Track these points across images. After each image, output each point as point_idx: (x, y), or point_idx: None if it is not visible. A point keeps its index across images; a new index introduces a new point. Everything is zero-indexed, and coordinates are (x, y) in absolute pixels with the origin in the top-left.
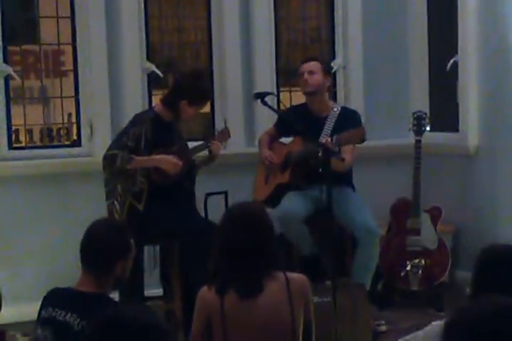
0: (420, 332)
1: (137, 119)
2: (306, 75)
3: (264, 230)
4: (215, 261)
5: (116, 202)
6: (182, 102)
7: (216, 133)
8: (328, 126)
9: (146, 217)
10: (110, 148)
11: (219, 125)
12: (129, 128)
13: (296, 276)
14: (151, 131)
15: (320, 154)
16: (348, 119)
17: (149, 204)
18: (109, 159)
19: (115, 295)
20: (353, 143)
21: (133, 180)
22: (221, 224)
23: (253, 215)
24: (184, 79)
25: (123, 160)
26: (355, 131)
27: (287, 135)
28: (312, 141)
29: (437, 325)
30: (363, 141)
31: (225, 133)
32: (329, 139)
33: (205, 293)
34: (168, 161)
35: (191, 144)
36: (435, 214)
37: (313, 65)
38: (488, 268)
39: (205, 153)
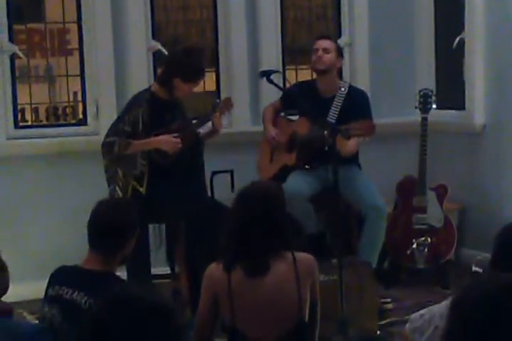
0: (435, 308)
1: (133, 102)
2: (320, 52)
3: (275, 210)
4: (224, 238)
5: (117, 188)
6: (176, 80)
7: (218, 106)
8: (335, 107)
9: (149, 198)
10: (107, 136)
11: None
12: (125, 113)
13: (303, 256)
14: (148, 113)
15: (326, 134)
16: (356, 100)
17: (151, 186)
18: (106, 147)
19: (123, 273)
20: (362, 136)
21: (133, 163)
22: (233, 203)
23: (266, 195)
24: (175, 57)
25: (121, 147)
26: (364, 125)
27: (292, 112)
28: (318, 122)
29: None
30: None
31: (228, 104)
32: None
33: (213, 270)
34: (166, 141)
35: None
36: (441, 192)
37: (329, 44)
38: (506, 247)
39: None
